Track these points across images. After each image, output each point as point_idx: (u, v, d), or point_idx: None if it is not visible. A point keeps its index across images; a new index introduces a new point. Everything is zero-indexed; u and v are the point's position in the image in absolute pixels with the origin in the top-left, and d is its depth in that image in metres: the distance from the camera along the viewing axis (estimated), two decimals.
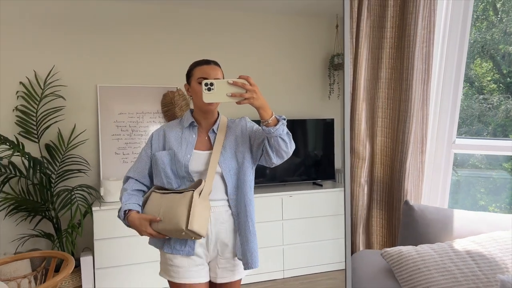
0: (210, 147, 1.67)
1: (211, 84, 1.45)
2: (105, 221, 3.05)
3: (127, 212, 1.63)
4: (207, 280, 1.67)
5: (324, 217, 3.64)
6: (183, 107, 3.57)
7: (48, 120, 3.29)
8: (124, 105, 3.50)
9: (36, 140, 3.27)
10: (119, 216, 1.66)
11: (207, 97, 1.46)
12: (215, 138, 1.67)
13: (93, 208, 3.05)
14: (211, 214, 1.62)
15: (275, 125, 1.49)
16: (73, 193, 3.13)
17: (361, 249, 2.39)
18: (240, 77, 1.45)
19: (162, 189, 1.64)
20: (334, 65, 3.98)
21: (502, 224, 1.86)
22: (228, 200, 1.66)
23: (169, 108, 3.56)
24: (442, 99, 2.32)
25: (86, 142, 3.43)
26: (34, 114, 3.25)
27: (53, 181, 3.26)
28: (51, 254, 2.27)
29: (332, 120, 3.94)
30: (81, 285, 3.13)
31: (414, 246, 1.78)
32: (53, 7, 3.32)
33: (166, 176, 1.64)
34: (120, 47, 3.52)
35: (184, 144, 1.66)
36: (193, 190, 1.53)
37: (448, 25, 2.26)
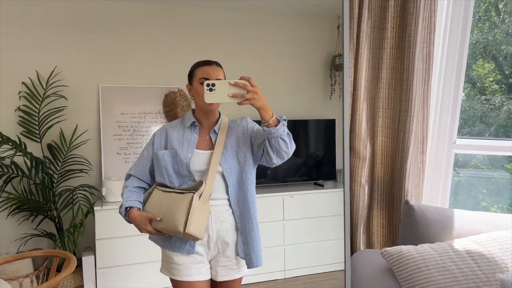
0: (212, 147, 1.68)
1: (213, 85, 1.46)
2: (106, 221, 3.06)
3: (128, 209, 1.66)
4: (208, 278, 1.69)
5: (326, 217, 3.65)
6: (185, 107, 3.58)
7: (50, 120, 3.31)
8: (126, 105, 3.51)
9: (38, 140, 3.29)
10: (120, 213, 1.69)
11: (209, 97, 1.48)
12: (216, 138, 1.69)
13: (95, 208, 3.06)
14: (211, 212, 1.64)
15: (276, 125, 1.50)
16: (75, 193, 3.15)
17: (361, 248, 2.40)
18: (241, 78, 1.46)
19: (165, 186, 1.66)
20: (336, 65, 3.99)
21: (502, 224, 1.86)
22: (228, 199, 1.68)
23: (171, 108, 3.57)
24: (443, 99, 2.33)
25: (88, 142, 3.44)
26: (36, 114, 3.26)
27: (55, 181, 3.27)
28: (53, 254, 2.28)
29: (333, 120, 3.94)
30: (82, 285, 3.14)
31: (414, 246, 1.79)
32: (55, 7, 3.33)
33: (168, 175, 1.66)
34: (122, 48, 3.53)
35: (185, 143, 1.67)
36: (194, 193, 1.55)
37: (449, 26, 2.27)
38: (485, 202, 2.73)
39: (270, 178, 3.78)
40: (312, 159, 3.93)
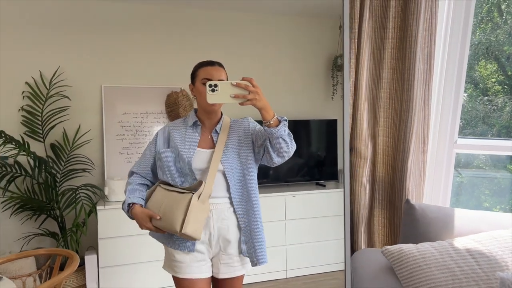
0: (213, 146, 1.70)
1: (215, 85, 1.48)
2: (109, 220, 3.08)
3: (130, 205, 1.70)
4: (209, 276, 1.71)
5: (327, 217, 3.65)
6: (187, 107, 3.59)
7: (53, 120, 3.32)
8: (129, 105, 3.53)
9: (42, 140, 3.30)
10: (123, 209, 1.72)
11: (211, 98, 1.50)
12: (217, 137, 1.71)
13: (98, 207, 3.08)
14: (213, 211, 1.66)
15: (277, 126, 1.52)
16: (77, 192, 3.16)
17: (363, 248, 2.41)
18: (243, 79, 1.49)
19: (168, 184, 1.69)
20: (338, 66, 3.99)
21: (503, 223, 1.87)
22: (229, 198, 1.70)
23: (173, 108, 3.58)
24: (444, 99, 2.33)
25: (90, 142, 3.46)
26: (40, 114, 3.28)
27: (58, 180, 3.29)
28: (56, 252, 2.29)
29: (335, 120, 3.95)
30: (85, 284, 3.15)
31: (415, 244, 1.80)
32: (58, 7, 3.35)
33: (170, 173, 1.69)
34: (125, 48, 3.55)
35: (187, 142, 1.70)
36: (193, 193, 1.57)
37: (450, 26, 2.28)
38: (487, 203, 2.72)
39: (272, 178, 3.79)
40: (314, 159, 3.94)
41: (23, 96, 3.30)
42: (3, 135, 2.95)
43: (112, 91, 3.50)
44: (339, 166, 3.99)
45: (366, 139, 2.35)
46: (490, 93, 2.65)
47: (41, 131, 3.30)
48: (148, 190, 1.78)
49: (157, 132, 1.80)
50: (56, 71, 3.33)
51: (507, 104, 2.58)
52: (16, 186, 3.22)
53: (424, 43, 2.20)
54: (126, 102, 3.52)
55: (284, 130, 1.54)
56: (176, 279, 1.70)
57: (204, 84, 1.62)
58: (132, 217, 1.70)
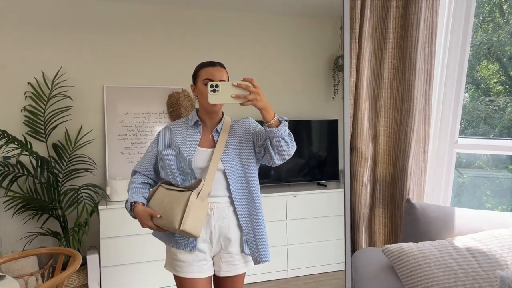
0: (214, 145, 1.72)
1: (216, 86, 1.50)
2: (111, 220, 3.09)
3: (133, 204, 1.72)
4: (210, 274, 1.72)
5: (328, 217, 3.66)
6: (189, 107, 3.60)
7: (56, 120, 3.34)
8: (130, 105, 3.54)
9: (44, 140, 3.32)
10: (126, 207, 1.74)
11: (212, 98, 1.51)
12: (218, 137, 1.72)
13: (100, 207, 3.09)
14: (214, 210, 1.68)
15: (277, 126, 1.54)
16: (79, 192, 3.18)
17: (363, 247, 2.41)
18: (244, 79, 1.50)
19: (170, 184, 1.70)
20: (339, 66, 4.00)
21: (503, 222, 1.87)
22: (230, 197, 1.71)
23: (175, 108, 3.59)
24: (445, 99, 2.34)
25: (92, 142, 3.47)
26: (42, 114, 3.30)
27: (60, 180, 3.30)
28: (58, 251, 2.30)
29: (336, 121, 3.95)
30: (87, 284, 3.16)
31: (415, 243, 1.80)
32: (58, 7, 3.36)
33: (171, 172, 1.70)
34: (127, 48, 3.56)
35: (188, 141, 1.71)
36: (192, 191, 1.58)
37: (450, 26, 2.28)
38: (489, 203, 2.72)
39: (273, 178, 3.79)
40: (315, 159, 3.94)
41: (26, 96, 3.31)
42: (5, 135, 2.97)
43: (114, 91, 3.51)
44: (340, 166, 3.99)
45: (367, 138, 2.35)
46: (491, 93, 2.65)
47: (43, 131, 3.31)
48: (150, 190, 1.80)
49: (159, 131, 1.82)
50: (58, 71, 3.34)
51: (508, 105, 2.58)
52: (18, 186, 3.24)
53: (425, 43, 2.21)
54: (127, 102, 3.54)
55: (284, 130, 1.55)
56: (178, 278, 1.72)
57: (206, 84, 1.64)
58: (134, 216, 1.72)
